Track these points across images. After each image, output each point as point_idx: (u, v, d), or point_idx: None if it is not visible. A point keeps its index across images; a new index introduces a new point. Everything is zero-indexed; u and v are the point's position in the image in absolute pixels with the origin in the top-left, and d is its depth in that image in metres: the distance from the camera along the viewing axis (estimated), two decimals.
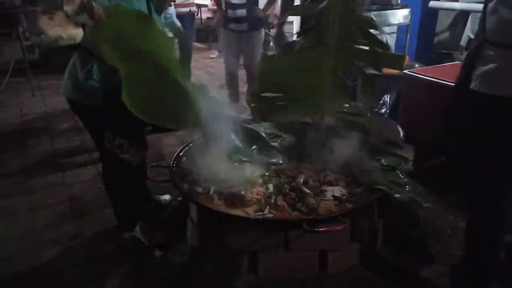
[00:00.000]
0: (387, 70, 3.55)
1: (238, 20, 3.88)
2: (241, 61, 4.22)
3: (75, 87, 1.97)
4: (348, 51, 1.74)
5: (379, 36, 1.75)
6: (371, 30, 1.73)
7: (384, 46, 1.82)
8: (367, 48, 1.75)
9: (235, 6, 3.84)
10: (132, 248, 2.23)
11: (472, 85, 1.63)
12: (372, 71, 1.86)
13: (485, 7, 1.58)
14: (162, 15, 2.23)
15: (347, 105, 1.88)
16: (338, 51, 1.71)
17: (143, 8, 1.94)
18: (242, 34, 3.94)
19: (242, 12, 3.83)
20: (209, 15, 7.35)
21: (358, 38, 1.72)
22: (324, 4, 1.67)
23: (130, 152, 2.06)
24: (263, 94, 1.81)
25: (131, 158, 2.07)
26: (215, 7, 5.24)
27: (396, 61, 1.89)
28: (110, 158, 2.11)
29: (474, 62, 1.63)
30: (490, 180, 1.71)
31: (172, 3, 2.20)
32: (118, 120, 1.96)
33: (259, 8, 3.91)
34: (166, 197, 2.64)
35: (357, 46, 1.74)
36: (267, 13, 4.33)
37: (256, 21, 3.90)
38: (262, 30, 4.09)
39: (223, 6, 4.07)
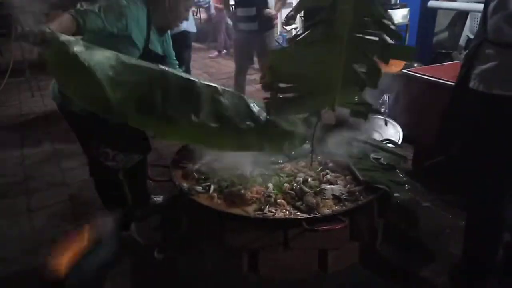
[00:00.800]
0: (386, 69, 3.56)
1: (248, 19, 3.83)
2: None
3: (60, 91, 1.93)
4: (361, 43, 1.72)
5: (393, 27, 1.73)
6: (385, 22, 1.71)
7: (400, 37, 1.79)
8: (378, 39, 1.72)
9: (245, 4, 3.78)
10: (132, 248, 2.23)
11: (471, 84, 1.63)
12: (378, 64, 1.84)
13: (485, 7, 1.59)
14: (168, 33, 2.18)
15: (357, 97, 1.86)
16: (351, 43, 1.69)
17: (142, 31, 1.90)
18: (253, 34, 3.88)
19: (252, 10, 3.77)
20: (213, 10, 7.30)
21: (371, 30, 1.70)
22: None
23: (116, 159, 2.00)
24: (275, 86, 1.78)
25: (117, 166, 2.01)
26: (219, 5, 5.18)
27: (406, 52, 1.88)
28: (94, 164, 2.08)
29: (473, 61, 1.64)
30: (489, 179, 1.72)
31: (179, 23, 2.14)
32: (103, 128, 1.89)
33: (269, 8, 3.84)
34: (159, 198, 2.62)
35: (369, 38, 1.72)
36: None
37: (266, 20, 3.84)
38: (274, 29, 4.04)
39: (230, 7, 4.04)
